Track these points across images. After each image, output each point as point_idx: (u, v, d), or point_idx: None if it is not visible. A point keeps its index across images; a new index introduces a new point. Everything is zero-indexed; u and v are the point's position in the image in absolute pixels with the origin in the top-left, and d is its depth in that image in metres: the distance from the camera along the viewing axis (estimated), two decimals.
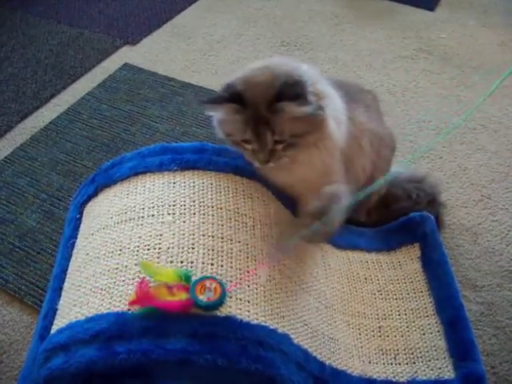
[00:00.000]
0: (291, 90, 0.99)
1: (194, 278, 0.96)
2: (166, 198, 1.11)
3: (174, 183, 1.14)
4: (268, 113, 1.00)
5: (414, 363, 1.15)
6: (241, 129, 1.03)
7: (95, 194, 1.21)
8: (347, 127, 1.15)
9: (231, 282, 0.98)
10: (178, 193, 1.12)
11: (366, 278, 1.29)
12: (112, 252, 1.04)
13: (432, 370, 1.13)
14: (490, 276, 1.45)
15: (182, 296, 0.92)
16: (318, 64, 2.21)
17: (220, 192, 1.13)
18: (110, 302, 0.96)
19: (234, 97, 1.01)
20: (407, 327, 1.21)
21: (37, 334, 1.06)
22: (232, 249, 1.03)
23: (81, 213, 1.23)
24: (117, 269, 1.01)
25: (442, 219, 1.54)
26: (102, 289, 0.99)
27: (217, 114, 1.08)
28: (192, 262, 0.99)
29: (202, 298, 0.93)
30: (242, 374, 0.89)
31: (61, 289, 1.10)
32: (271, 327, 0.96)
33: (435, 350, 1.16)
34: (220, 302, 0.94)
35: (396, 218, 1.39)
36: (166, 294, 0.92)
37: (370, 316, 1.23)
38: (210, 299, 0.93)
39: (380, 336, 1.20)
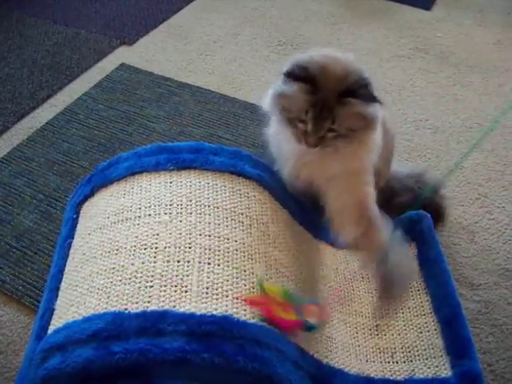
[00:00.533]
0: (362, 89, 1.06)
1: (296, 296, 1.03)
2: (163, 197, 1.11)
3: (171, 183, 1.14)
4: (335, 103, 1.05)
5: (411, 361, 1.15)
6: (303, 109, 1.07)
7: (92, 194, 1.21)
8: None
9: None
10: (174, 192, 1.12)
11: (362, 277, 1.29)
12: (109, 252, 1.04)
13: (429, 368, 1.13)
14: (486, 274, 1.45)
15: (292, 316, 0.99)
16: None
17: (217, 191, 1.13)
18: (106, 302, 0.96)
19: (308, 77, 1.05)
20: (404, 326, 1.21)
21: (34, 334, 1.06)
22: (229, 248, 1.03)
23: (77, 213, 1.23)
24: (113, 268, 1.01)
25: (445, 213, 1.51)
26: (98, 288, 0.99)
27: (284, 88, 1.09)
28: (189, 262, 0.99)
29: (310, 320, 1.01)
30: (239, 373, 0.89)
31: (58, 289, 1.10)
32: (268, 326, 0.96)
33: (432, 349, 1.16)
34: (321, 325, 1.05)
35: (397, 212, 1.39)
36: (280, 311, 0.98)
37: (366, 315, 1.23)
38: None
39: (377, 334, 1.20)
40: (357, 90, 1.06)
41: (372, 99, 1.07)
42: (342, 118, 1.06)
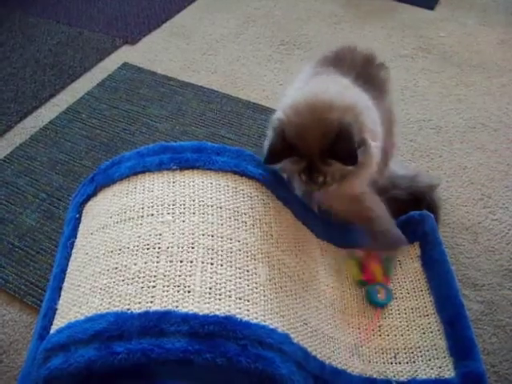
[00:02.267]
0: (340, 149, 1.07)
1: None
2: (166, 197, 1.11)
3: (174, 182, 1.14)
4: (321, 164, 1.11)
5: (414, 362, 1.15)
6: (296, 172, 1.15)
7: (94, 193, 1.21)
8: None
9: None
10: (177, 192, 1.12)
11: None
12: (111, 251, 1.04)
13: (432, 369, 1.13)
14: (490, 275, 1.45)
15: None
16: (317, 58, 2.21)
17: (219, 191, 1.13)
18: (109, 302, 0.96)
19: (290, 150, 1.11)
20: (407, 326, 1.21)
21: (36, 333, 1.06)
22: (232, 248, 1.03)
23: (80, 212, 1.23)
24: (116, 268, 1.00)
25: (438, 212, 1.52)
26: (101, 288, 0.99)
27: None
28: (192, 262, 0.99)
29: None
30: (241, 373, 0.88)
31: (60, 288, 1.10)
32: (271, 326, 0.96)
33: (435, 349, 1.15)
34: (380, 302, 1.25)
35: (395, 209, 1.40)
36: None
37: (370, 315, 1.23)
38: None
39: (380, 335, 1.20)
40: (337, 151, 1.08)
41: (350, 159, 1.07)
42: (332, 173, 1.13)
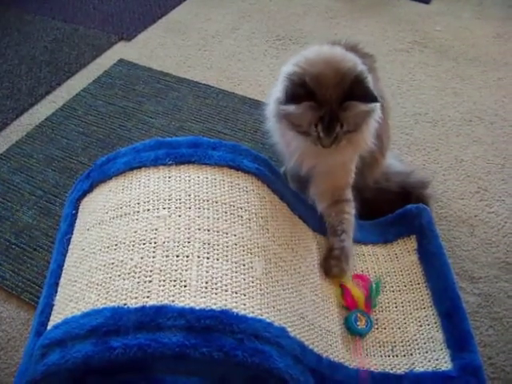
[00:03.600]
0: (359, 90, 1.13)
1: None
2: (162, 192, 1.11)
3: (170, 177, 1.14)
4: (339, 109, 1.13)
5: (412, 355, 1.15)
6: (313, 122, 1.15)
7: (90, 189, 1.21)
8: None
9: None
10: (173, 187, 1.11)
11: (362, 271, 1.29)
12: (108, 247, 1.04)
13: (429, 361, 1.13)
14: (486, 267, 1.45)
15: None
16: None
17: (215, 186, 1.13)
18: (105, 297, 0.96)
19: (309, 95, 1.12)
20: (404, 319, 1.21)
21: (33, 329, 1.06)
22: (228, 242, 1.03)
23: (76, 208, 1.23)
24: (112, 264, 1.00)
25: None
26: (97, 284, 0.99)
27: (289, 108, 1.16)
28: (188, 256, 0.99)
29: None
30: (238, 367, 0.88)
31: (57, 284, 1.10)
32: (267, 320, 0.96)
33: (432, 342, 1.16)
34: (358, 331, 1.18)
35: (383, 202, 1.43)
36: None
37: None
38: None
39: (377, 328, 1.20)
40: (355, 92, 1.12)
41: (370, 96, 1.13)
42: (349, 120, 1.15)
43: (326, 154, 1.24)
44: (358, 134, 1.21)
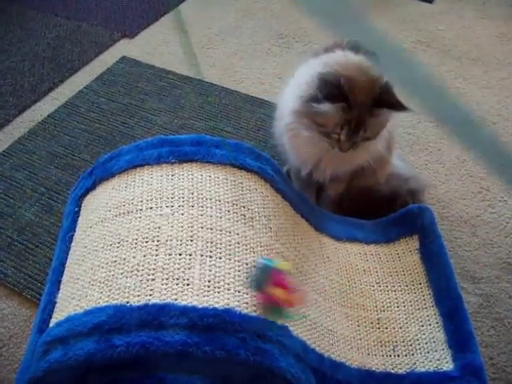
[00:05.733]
0: (389, 97, 1.17)
1: None
2: (165, 190, 1.11)
3: (173, 176, 1.14)
4: (367, 115, 1.17)
5: (413, 355, 1.15)
6: (339, 125, 1.18)
7: (93, 187, 1.21)
8: None
9: None
10: (176, 185, 1.11)
11: (364, 270, 1.29)
12: (110, 245, 1.04)
13: (431, 361, 1.13)
14: (488, 268, 1.45)
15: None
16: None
17: (218, 184, 1.13)
18: (108, 295, 0.96)
19: (343, 96, 1.15)
20: (406, 319, 1.21)
21: (36, 327, 1.06)
22: (230, 241, 1.03)
23: (79, 206, 1.23)
24: (115, 261, 1.00)
25: None
26: (100, 281, 0.99)
27: (319, 107, 1.18)
28: (190, 255, 0.99)
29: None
30: (240, 366, 0.89)
31: (59, 282, 1.10)
32: (270, 319, 0.96)
33: (434, 342, 1.16)
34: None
35: (372, 203, 1.43)
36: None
37: (368, 308, 1.23)
38: None
39: (379, 328, 1.20)
40: (385, 99, 1.17)
41: (399, 105, 1.17)
42: (373, 127, 1.19)
43: (339, 158, 1.29)
44: (373, 140, 1.25)
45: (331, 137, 1.21)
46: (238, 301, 0.95)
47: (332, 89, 1.16)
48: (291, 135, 1.33)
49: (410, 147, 1.81)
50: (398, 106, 1.17)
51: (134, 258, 1.00)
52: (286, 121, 1.32)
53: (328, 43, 1.42)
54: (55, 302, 1.06)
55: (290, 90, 1.31)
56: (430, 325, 1.19)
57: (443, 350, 1.14)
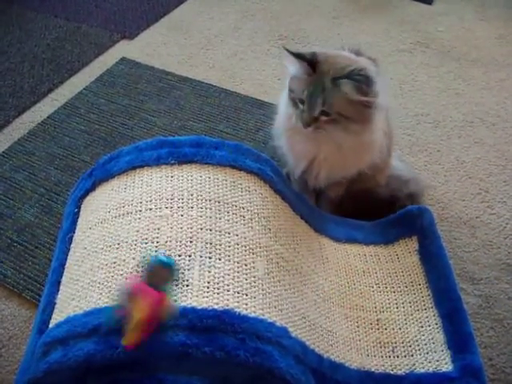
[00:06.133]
0: (359, 78, 1.15)
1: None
2: (164, 191, 1.11)
3: (172, 177, 1.14)
4: (329, 84, 1.17)
5: (412, 356, 1.15)
6: (302, 88, 1.20)
7: (93, 188, 1.21)
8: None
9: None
10: (175, 186, 1.12)
11: (363, 271, 1.29)
12: (110, 246, 1.04)
13: (430, 362, 1.13)
14: (487, 269, 1.45)
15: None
16: None
17: (218, 185, 1.13)
18: (108, 296, 0.96)
19: (311, 60, 1.18)
20: (405, 320, 1.21)
21: (35, 327, 1.06)
22: (230, 242, 1.03)
23: (79, 207, 1.23)
24: (115, 263, 1.01)
25: None
26: (100, 283, 0.99)
27: (291, 68, 1.23)
28: (190, 256, 0.99)
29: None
30: (240, 367, 0.89)
31: (59, 283, 1.10)
32: (269, 320, 0.96)
33: (433, 343, 1.16)
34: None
35: (371, 204, 1.43)
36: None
37: (368, 309, 1.23)
38: None
39: (378, 329, 1.20)
40: (354, 76, 1.15)
41: (367, 91, 1.16)
42: (332, 100, 1.17)
43: (328, 162, 1.31)
44: (360, 146, 1.26)
45: (298, 106, 1.23)
46: (238, 302, 0.95)
47: (305, 53, 1.20)
48: (288, 135, 1.34)
49: (409, 148, 1.82)
50: (365, 90, 1.15)
51: (133, 259, 1.00)
52: (282, 121, 1.34)
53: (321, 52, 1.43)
54: (55, 303, 1.06)
55: (284, 92, 1.33)
56: (429, 326, 1.19)
57: (442, 350, 1.14)
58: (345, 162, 1.33)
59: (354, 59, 1.24)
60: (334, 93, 1.17)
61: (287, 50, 1.20)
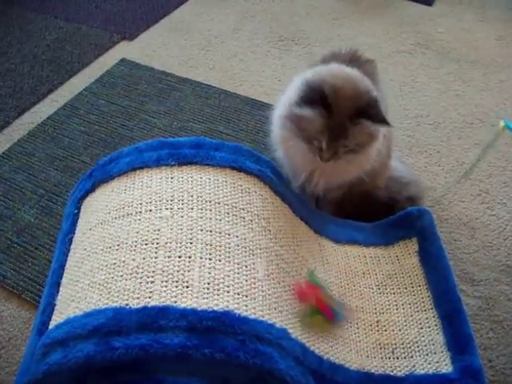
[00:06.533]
0: (373, 110, 1.17)
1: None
2: (164, 192, 1.11)
3: (172, 178, 1.14)
4: (348, 123, 1.16)
5: (412, 357, 1.15)
6: (319, 130, 1.17)
7: (93, 189, 1.21)
8: None
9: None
10: (175, 188, 1.12)
11: (363, 273, 1.29)
12: (110, 247, 1.04)
13: (430, 363, 1.13)
14: (487, 270, 1.45)
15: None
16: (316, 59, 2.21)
17: (218, 187, 1.13)
18: (107, 297, 0.96)
19: (323, 102, 1.15)
20: (405, 321, 1.21)
21: (35, 329, 1.06)
22: (230, 243, 1.03)
23: (78, 208, 1.23)
24: (114, 264, 1.01)
25: None
26: (99, 284, 0.99)
27: (301, 111, 1.18)
28: (190, 257, 0.99)
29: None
30: (239, 368, 0.89)
31: (59, 284, 1.10)
32: (269, 322, 0.96)
33: (433, 344, 1.16)
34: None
35: (371, 206, 1.43)
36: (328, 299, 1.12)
37: (367, 310, 1.23)
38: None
39: (378, 330, 1.20)
40: (369, 110, 1.16)
41: (381, 120, 1.17)
42: (354, 136, 1.17)
43: (331, 171, 1.29)
44: (362, 156, 1.24)
45: (313, 143, 1.21)
46: (238, 303, 0.95)
47: (313, 94, 1.16)
48: (285, 147, 1.33)
49: (409, 149, 1.82)
50: (380, 120, 1.17)
51: (133, 260, 1.00)
52: (278, 131, 1.33)
53: (326, 53, 1.42)
54: (55, 304, 1.06)
55: (282, 96, 1.32)
56: (429, 327, 1.19)
57: (442, 352, 1.14)
58: (343, 172, 1.32)
59: (354, 79, 1.22)
60: (354, 130, 1.17)
61: (296, 101, 1.18)
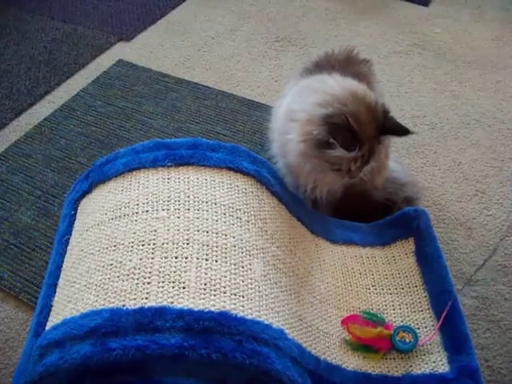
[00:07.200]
0: (391, 124, 1.20)
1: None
2: (161, 193, 1.11)
3: (169, 179, 1.14)
4: (376, 145, 1.19)
5: (409, 357, 1.15)
6: (353, 160, 1.16)
7: (89, 190, 1.21)
8: None
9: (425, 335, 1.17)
10: (172, 188, 1.12)
11: (360, 273, 1.29)
12: (106, 248, 1.05)
13: (426, 363, 1.13)
14: (484, 270, 1.45)
15: (383, 332, 1.15)
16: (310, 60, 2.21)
17: (214, 187, 1.13)
18: (104, 298, 0.96)
19: (355, 138, 1.13)
20: (402, 321, 1.21)
21: (32, 330, 1.06)
22: (226, 244, 1.04)
23: (75, 209, 1.23)
24: (111, 265, 1.01)
25: None
26: (96, 285, 0.99)
27: (332, 152, 1.14)
28: (186, 258, 0.99)
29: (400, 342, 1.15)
30: (236, 369, 0.89)
31: (55, 285, 1.10)
32: (266, 322, 0.96)
33: (430, 344, 1.16)
34: (412, 348, 1.14)
35: (368, 207, 1.43)
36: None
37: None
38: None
39: None
40: (388, 126, 1.19)
41: (405, 132, 1.21)
42: (379, 152, 1.21)
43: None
44: (375, 163, 1.25)
45: (342, 170, 1.19)
46: (234, 304, 0.95)
47: (345, 134, 1.12)
48: (306, 175, 1.27)
49: (406, 150, 1.82)
50: (404, 132, 1.20)
51: (130, 261, 1.00)
52: (295, 159, 1.24)
53: (319, 56, 1.41)
54: (51, 306, 1.06)
55: (283, 115, 1.27)
56: (425, 327, 1.19)
57: (439, 352, 1.14)
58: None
59: (363, 94, 1.19)
60: (379, 147, 1.20)
61: (325, 141, 1.13)
